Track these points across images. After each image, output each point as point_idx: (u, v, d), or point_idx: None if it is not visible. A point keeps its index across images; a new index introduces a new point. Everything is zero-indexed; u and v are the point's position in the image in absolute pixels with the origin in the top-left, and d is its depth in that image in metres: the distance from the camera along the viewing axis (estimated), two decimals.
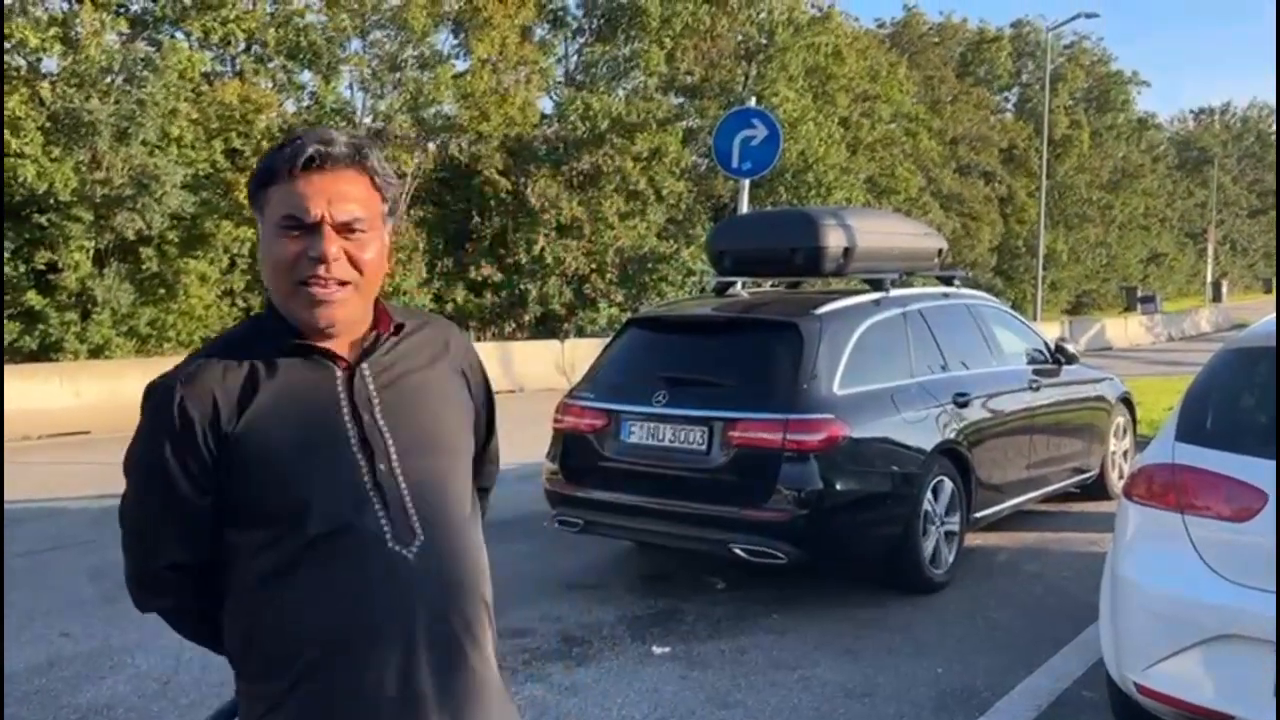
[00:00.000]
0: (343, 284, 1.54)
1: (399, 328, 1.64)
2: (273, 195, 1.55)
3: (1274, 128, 63.05)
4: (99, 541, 6.59)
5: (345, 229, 1.54)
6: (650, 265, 22.07)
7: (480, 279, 21.15)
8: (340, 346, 1.59)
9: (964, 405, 5.79)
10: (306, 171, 1.53)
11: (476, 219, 21.58)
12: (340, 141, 1.56)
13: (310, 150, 1.52)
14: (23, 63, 15.81)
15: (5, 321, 14.42)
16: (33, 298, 14.83)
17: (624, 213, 22.04)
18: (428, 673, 1.52)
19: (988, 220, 34.59)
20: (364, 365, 1.59)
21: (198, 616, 1.66)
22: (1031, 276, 33.80)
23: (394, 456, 1.55)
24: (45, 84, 15.32)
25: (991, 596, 5.49)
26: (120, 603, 5.30)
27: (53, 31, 15.38)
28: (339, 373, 1.57)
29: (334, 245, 1.52)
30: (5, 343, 14.30)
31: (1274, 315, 3.69)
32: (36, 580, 5.79)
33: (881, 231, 6.45)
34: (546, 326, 21.79)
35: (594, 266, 21.77)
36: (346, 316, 1.57)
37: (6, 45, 15.32)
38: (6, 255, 14.38)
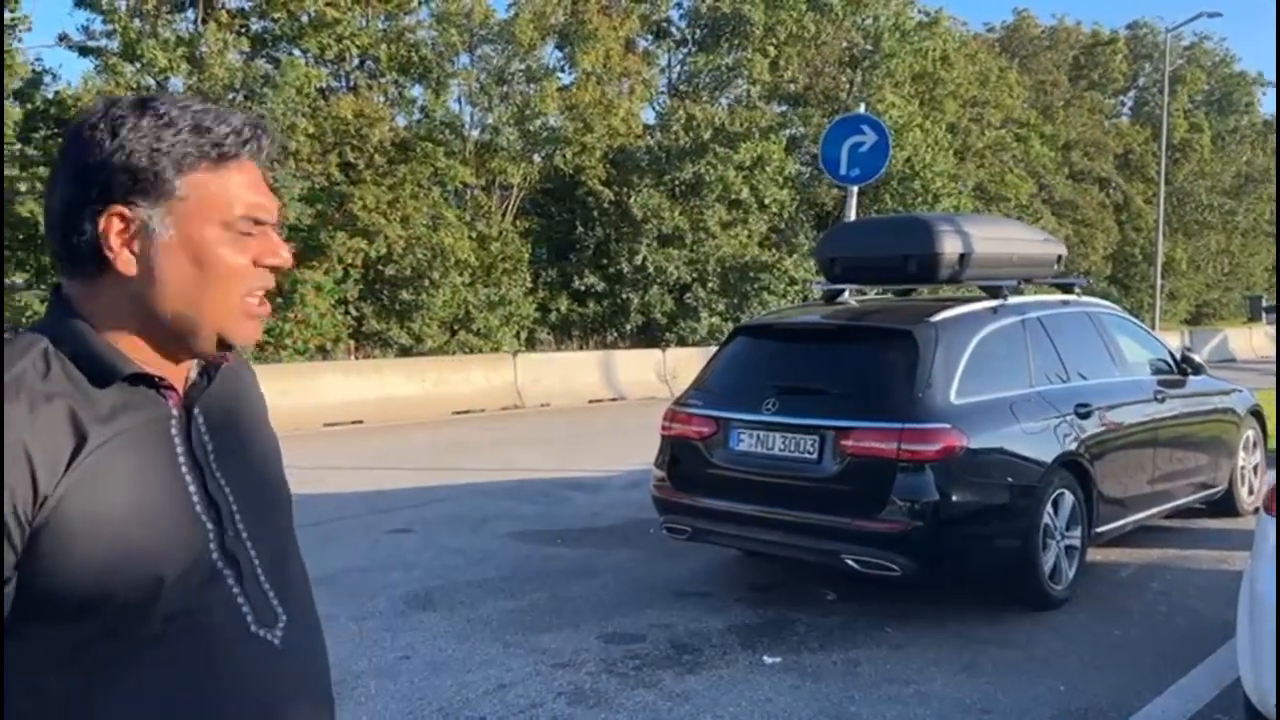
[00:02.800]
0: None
1: (214, 366, 1.31)
2: (229, 181, 1.22)
3: None
4: None
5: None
6: (752, 274, 21.98)
7: (583, 288, 21.35)
8: (177, 376, 1.26)
9: (1085, 416, 5.62)
10: (251, 156, 1.25)
11: (580, 229, 21.81)
12: (263, 125, 1.28)
13: (252, 134, 1.24)
14: (152, 82, 16.55)
15: None
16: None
17: (726, 222, 22.02)
18: None
19: (1102, 227, 33.57)
20: (193, 406, 1.26)
21: None
22: (1149, 285, 32.65)
23: (238, 519, 1.25)
24: None
25: (1115, 614, 5.30)
26: None
27: (180, 52, 16.09)
28: (174, 411, 1.23)
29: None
30: None
31: None
32: None
33: (999, 237, 6.30)
34: (648, 335, 21.87)
35: (695, 276, 21.79)
36: None
37: (136, 66, 16.07)
38: None
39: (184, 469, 1.22)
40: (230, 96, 16.05)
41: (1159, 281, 30.92)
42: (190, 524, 1.20)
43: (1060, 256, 6.83)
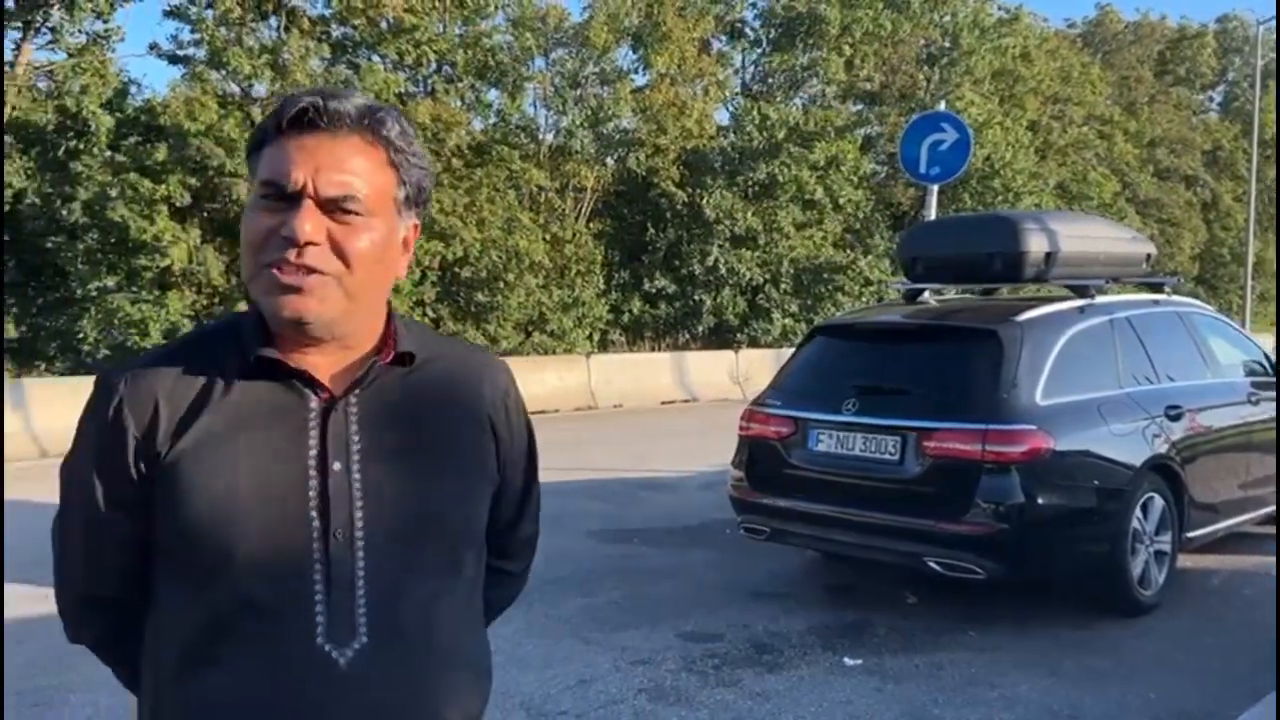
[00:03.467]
0: (316, 272, 1.19)
1: (406, 357, 1.28)
2: (261, 159, 1.23)
3: None
4: None
5: (334, 207, 1.19)
6: (826, 275, 21.81)
7: (655, 290, 21.38)
8: (324, 370, 1.25)
9: (1176, 418, 5.48)
10: (298, 131, 1.20)
11: (652, 231, 21.84)
12: (351, 101, 1.22)
13: (304, 102, 1.19)
14: (236, 89, 16.99)
15: None
16: (243, 308, 15.86)
17: (800, 222, 21.88)
18: None
19: (1189, 227, 32.65)
20: (350, 399, 1.24)
21: (133, 673, 1.32)
22: (1238, 287, 31.65)
23: (359, 524, 1.20)
24: (256, 108, 16.40)
25: (1206, 621, 5.16)
26: None
27: (263, 59, 16.48)
28: (314, 403, 1.23)
29: (311, 223, 1.18)
30: None
31: None
32: None
33: (1086, 236, 6.17)
34: (720, 337, 21.82)
35: (768, 277, 21.69)
36: (323, 313, 1.20)
37: (222, 74, 16.51)
38: (219, 270, 15.40)
39: (310, 462, 1.20)
40: None
41: (1249, 282, 29.94)
42: (290, 517, 1.18)
43: (1149, 255, 6.67)
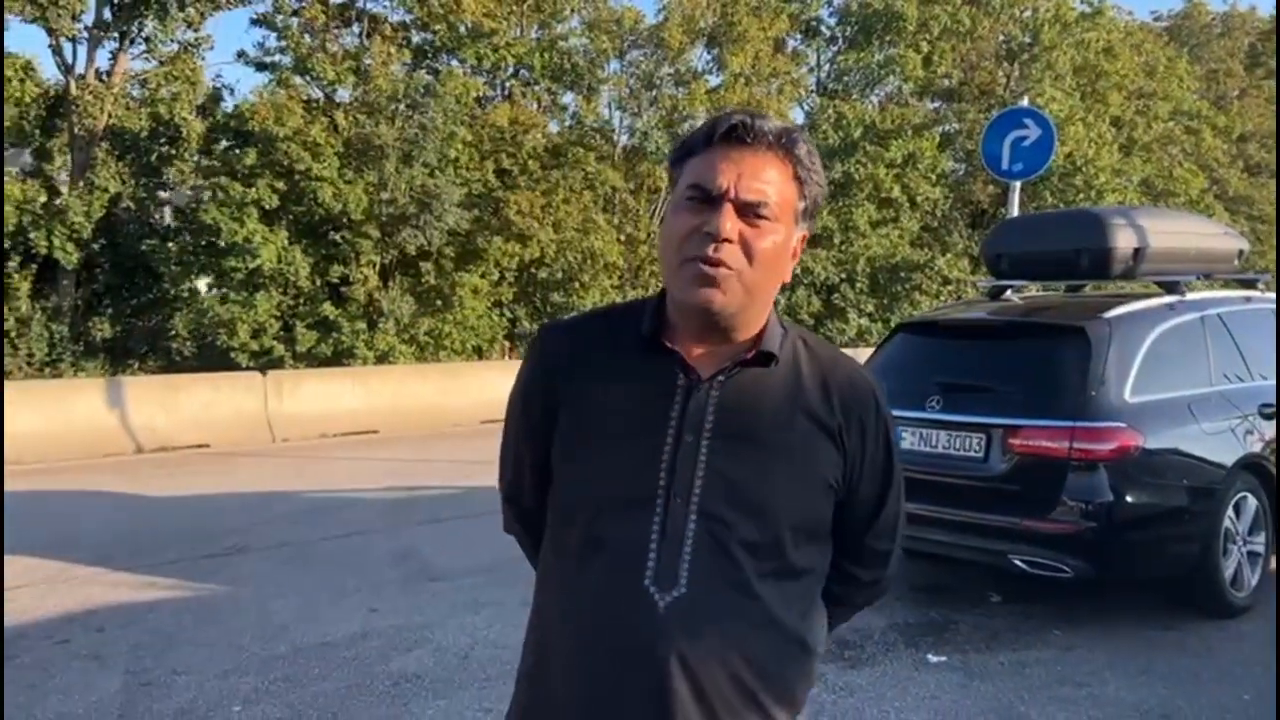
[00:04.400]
0: (729, 267, 1.38)
1: (768, 357, 1.44)
2: (687, 166, 1.44)
3: None
4: (396, 530, 7.16)
5: (749, 210, 1.38)
6: (903, 274, 21.58)
7: None
8: (703, 359, 1.44)
9: (1270, 417, 5.36)
10: (726, 143, 1.40)
11: None
12: (771, 122, 1.43)
13: (734, 120, 1.41)
14: (320, 94, 17.39)
15: (305, 330, 15.85)
16: (328, 308, 16.23)
17: (876, 221, 21.69)
18: None
19: None
20: (712, 385, 1.42)
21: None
22: None
23: (696, 491, 1.38)
24: (340, 113, 16.78)
25: None
26: (418, 584, 5.77)
27: (346, 65, 16.85)
28: (681, 382, 1.43)
29: (730, 222, 1.37)
30: (306, 349, 15.71)
31: None
32: (344, 562, 6.35)
33: (1175, 231, 6.06)
34: None
35: (844, 276, 21.53)
36: (727, 303, 1.39)
37: (308, 79, 16.91)
38: (305, 271, 15.79)
39: (669, 432, 1.40)
40: (393, 107, 16.71)
41: None
42: (642, 474, 1.39)
43: (1242, 251, 6.53)
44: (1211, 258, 6.22)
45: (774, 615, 1.42)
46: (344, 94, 17.40)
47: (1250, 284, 6.42)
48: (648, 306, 1.49)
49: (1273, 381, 5.58)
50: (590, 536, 1.41)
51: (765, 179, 1.39)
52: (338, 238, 16.27)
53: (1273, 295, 6.44)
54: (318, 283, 16.38)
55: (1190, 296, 5.59)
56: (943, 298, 21.26)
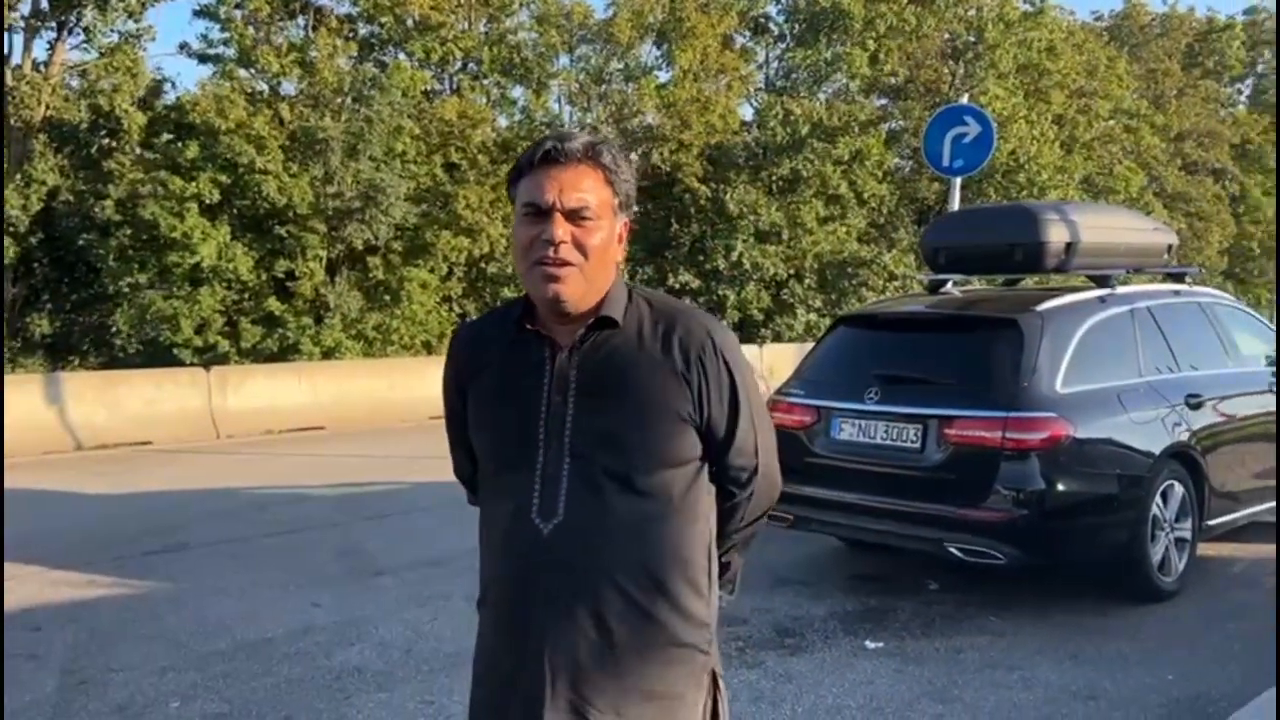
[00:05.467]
0: (568, 264, 1.68)
1: (609, 321, 1.74)
2: (520, 187, 1.73)
3: None
4: (341, 526, 7.13)
5: (574, 216, 1.69)
6: (850, 270, 21.81)
7: (679, 285, 21.45)
8: (562, 333, 1.75)
9: (1197, 407, 5.52)
10: (545, 164, 1.70)
11: (676, 226, 21.91)
12: (577, 140, 1.72)
13: (548, 146, 1.71)
14: (265, 87, 17.20)
15: (250, 326, 15.68)
16: (273, 304, 16.07)
17: (824, 217, 21.89)
18: (542, 643, 1.71)
19: (1217, 220, 32.35)
20: (573, 354, 1.74)
21: None
22: (1268, 281, 31.40)
23: (567, 440, 1.71)
24: (284, 105, 16.61)
25: (1226, 607, 5.21)
26: (362, 579, 5.76)
27: (291, 57, 16.69)
28: (547, 354, 1.75)
29: (561, 229, 1.68)
30: (251, 345, 15.55)
31: None
32: (287, 558, 6.31)
33: (1106, 226, 6.21)
34: (744, 332, 21.87)
35: (792, 272, 21.72)
36: (571, 293, 1.70)
37: (251, 72, 16.72)
38: (249, 266, 15.62)
39: (543, 396, 1.73)
40: (339, 100, 16.58)
41: (1279, 277, 29.68)
42: (526, 433, 1.72)
43: (1171, 246, 6.70)
44: (1141, 252, 6.39)
45: (641, 530, 1.71)
46: (289, 87, 17.23)
47: (1179, 278, 6.59)
48: (519, 302, 1.82)
49: (1198, 372, 5.75)
50: (496, 487, 1.78)
51: (583, 188, 1.70)
52: (283, 232, 16.12)
53: (1200, 289, 6.63)
54: (263, 277, 16.21)
55: (1120, 290, 5.73)
56: (889, 293, 21.51)
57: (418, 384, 13.52)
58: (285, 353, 16.08)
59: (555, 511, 1.70)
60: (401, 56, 18.59)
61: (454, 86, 19.85)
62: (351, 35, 18.31)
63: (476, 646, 1.87)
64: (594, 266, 1.71)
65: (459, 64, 19.69)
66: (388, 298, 17.16)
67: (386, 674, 4.35)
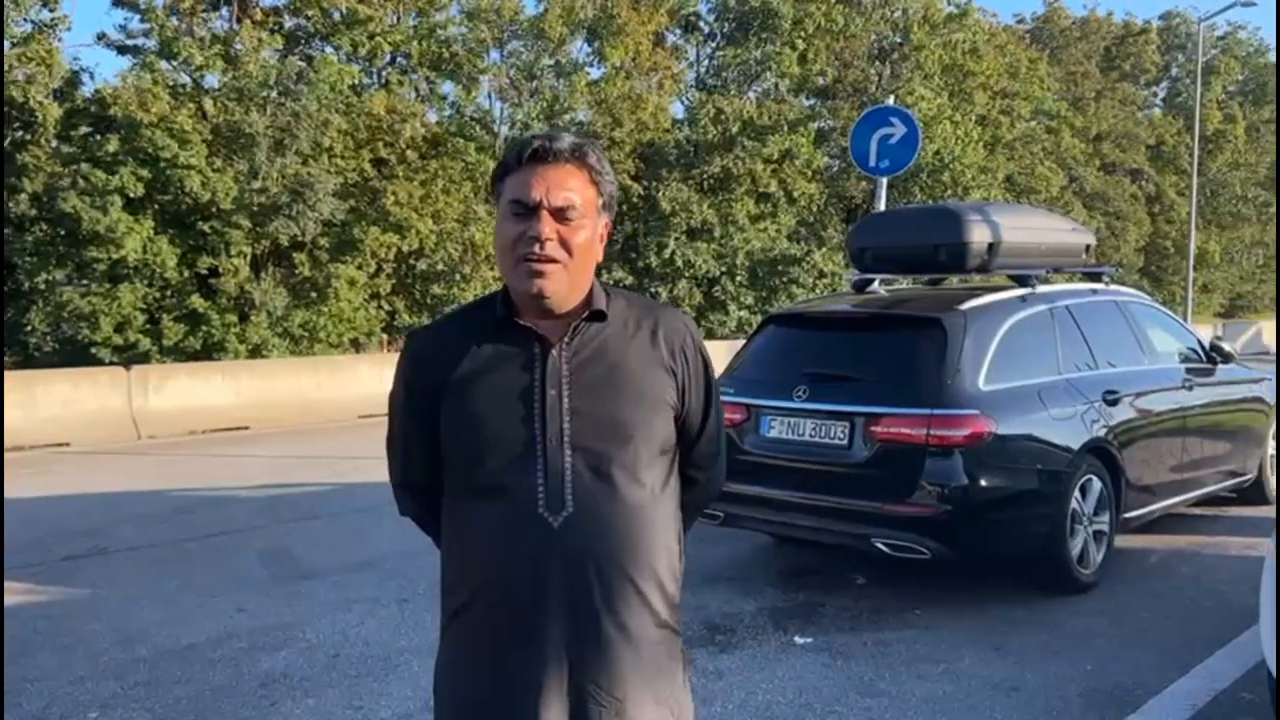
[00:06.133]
0: (553, 261, 1.71)
1: (600, 315, 1.79)
2: (506, 184, 1.76)
3: None
4: (267, 528, 7.02)
5: (560, 214, 1.72)
6: (781, 267, 22.01)
7: (612, 282, 21.37)
8: (549, 328, 1.77)
9: (1114, 403, 5.67)
10: (532, 163, 1.73)
11: None
12: (564, 140, 1.76)
13: (536, 145, 1.74)
14: (188, 80, 16.80)
15: (172, 323, 15.32)
16: (197, 301, 15.73)
17: (754, 215, 22.07)
18: (559, 637, 1.71)
19: (1134, 220, 33.29)
20: (563, 347, 1.75)
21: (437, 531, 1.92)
22: (1181, 278, 32.36)
23: (566, 433, 1.72)
24: (208, 99, 16.25)
25: (1143, 598, 5.36)
26: (289, 583, 5.67)
27: (215, 49, 16.33)
28: (536, 350, 1.76)
29: (548, 226, 1.71)
30: (173, 343, 15.19)
31: None
32: (211, 562, 6.20)
33: (1027, 227, 6.35)
34: None
35: (724, 269, 21.86)
36: (555, 289, 1.73)
37: (173, 64, 16.32)
38: (173, 262, 15.27)
39: (535, 390, 1.73)
40: (265, 94, 16.26)
41: (1191, 274, 30.63)
42: (522, 427, 1.72)
43: (1089, 246, 6.87)
44: (1060, 252, 6.54)
45: (645, 518, 1.76)
46: (212, 79, 16.85)
47: (1096, 277, 6.77)
48: (496, 297, 1.82)
49: (1115, 369, 5.91)
50: (487, 486, 1.73)
51: (569, 187, 1.73)
52: (206, 228, 15.78)
53: (1116, 287, 6.81)
54: (185, 274, 15.85)
55: (1040, 289, 5.87)
56: (819, 290, 21.76)
57: (346, 383, 13.36)
58: (209, 351, 15.75)
59: (564, 504, 1.71)
60: (329, 50, 18.30)
61: (383, 81, 19.60)
62: (277, 28, 17.97)
63: (451, 663, 1.83)
64: (578, 264, 1.74)
65: (388, 58, 19.46)
66: (314, 295, 16.89)
67: (313, 679, 4.29)
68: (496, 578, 1.74)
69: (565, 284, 1.74)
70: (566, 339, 1.76)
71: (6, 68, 15.13)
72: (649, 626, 1.77)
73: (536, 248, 1.71)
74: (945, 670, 4.36)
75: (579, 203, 1.74)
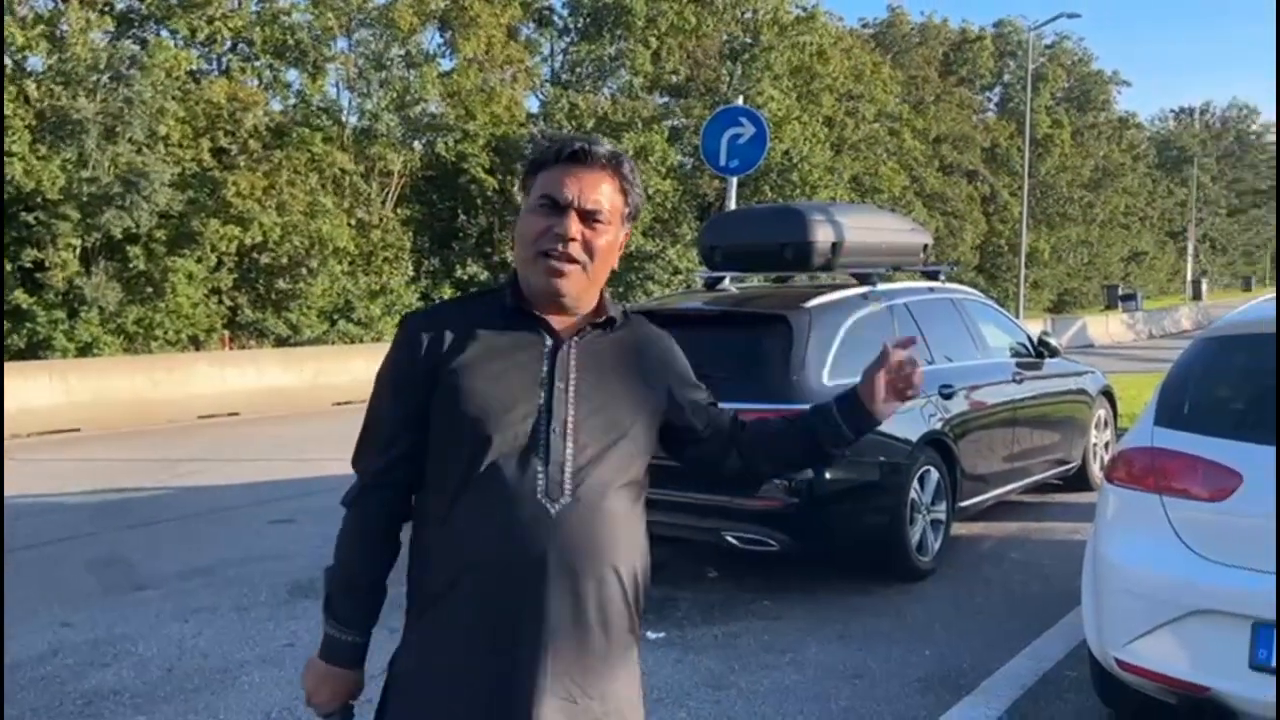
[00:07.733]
0: (574, 261, 1.76)
1: (611, 321, 1.86)
2: (539, 178, 1.79)
3: (1254, 127, 63.73)
4: (97, 535, 6.67)
5: (588, 217, 1.76)
6: (636, 264, 22.17)
7: (467, 277, 21.21)
8: (559, 323, 1.81)
9: (949, 397, 5.91)
10: (570, 162, 1.77)
11: (463, 217, 21.65)
12: (603, 147, 1.82)
13: (576, 145, 1.79)
14: (9, 62, 15.80)
15: None
16: (20, 296, 14.83)
17: None
18: (545, 619, 1.72)
19: (971, 219, 34.84)
20: (573, 342, 1.80)
21: (380, 535, 1.89)
22: (1014, 275, 34.07)
23: (570, 425, 1.76)
24: (31, 82, 15.32)
25: (977, 583, 5.61)
26: (121, 594, 5.40)
27: (38, 30, 15.40)
28: (548, 342, 1.80)
29: (575, 226, 1.75)
30: None
31: (1248, 304, 3.81)
32: (37, 573, 5.84)
33: (869, 227, 6.56)
34: None
35: None
36: (572, 289, 1.78)
37: None
38: None
39: (542, 380, 1.77)
40: (94, 78, 15.42)
41: (1023, 271, 32.27)
42: (526, 416, 1.74)
43: (926, 245, 7.14)
44: (900, 251, 6.79)
45: (632, 512, 1.81)
46: (36, 62, 15.88)
47: (933, 276, 7.05)
48: (505, 289, 1.85)
49: (950, 364, 6.16)
50: (493, 467, 1.72)
51: (600, 192, 1.78)
52: (30, 219, 14.86)
53: (951, 285, 7.11)
54: (8, 268, 14.91)
55: (881, 287, 6.07)
56: (674, 287, 22.01)
57: (185, 381, 12.81)
58: (35, 349, 14.85)
59: (563, 493, 1.73)
60: (164, 34, 17.48)
61: (223, 67, 18.84)
62: (108, 9, 17.06)
63: (415, 658, 1.85)
64: (597, 267, 1.78)
65: (228, 44, 18.71)
66: (150, 290, 16.13)
67: (145, 695, 4.10)
68: (489, 558, 1.73)
69: (582, 285, 1.79)
70: (578, 337, 1.81)
71: None
72: (625, 627, 1.81)
73: (560, 246, 1.75)
74: (792, 660, 4.46)
75: (607, 208, 1.79)
